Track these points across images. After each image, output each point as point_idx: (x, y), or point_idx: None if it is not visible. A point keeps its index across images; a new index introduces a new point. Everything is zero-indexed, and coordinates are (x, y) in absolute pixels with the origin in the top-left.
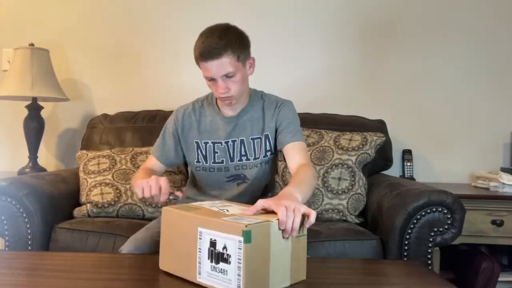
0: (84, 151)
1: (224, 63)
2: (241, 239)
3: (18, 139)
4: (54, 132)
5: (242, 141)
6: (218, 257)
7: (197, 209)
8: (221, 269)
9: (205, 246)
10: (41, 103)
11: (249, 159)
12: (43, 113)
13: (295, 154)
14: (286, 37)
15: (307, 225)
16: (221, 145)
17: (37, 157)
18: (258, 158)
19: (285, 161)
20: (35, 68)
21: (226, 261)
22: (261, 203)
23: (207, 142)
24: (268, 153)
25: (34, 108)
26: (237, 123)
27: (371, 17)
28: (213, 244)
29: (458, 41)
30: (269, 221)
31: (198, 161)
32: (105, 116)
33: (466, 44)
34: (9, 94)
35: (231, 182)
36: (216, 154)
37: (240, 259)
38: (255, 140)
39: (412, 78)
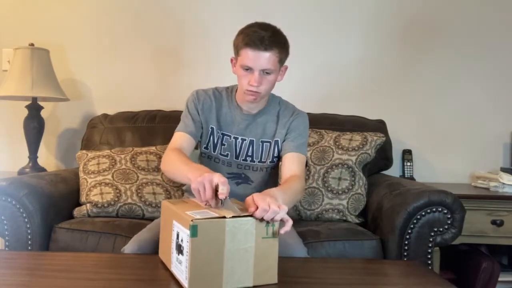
0: (84, 151)
1: (268, 59)
2: (189, 232)
3: (18, 139)
4: (54, 132)
5: (251, 142)
6: (179, 248)
7: (184, 204)
8: (179, 260)
9: (174, 237)
10: (41, 103)
11: (254, 161)
12: (43, 113)
13: (292, 164)
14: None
15: (282, 231)
16: (230, 138)
17: (37, 157)
18: (264, 162)
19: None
20: (35, 68)
21: (182, 253)
22: (249, 198)
23: (219, 132)
24: (275, 159)
25: (34, 108)
26: (252, 122)
27: (373, 18)
28: (177, 236)
29: (457, 41)
30: (224, 217)
31: (206, 147)
32: (105, 116)
33: (466, 44)
34: (9, 94)
35: (231, 180)
36: (223, 147)
37: (188, 252)
38: (264, 144)
39: (412, 78)
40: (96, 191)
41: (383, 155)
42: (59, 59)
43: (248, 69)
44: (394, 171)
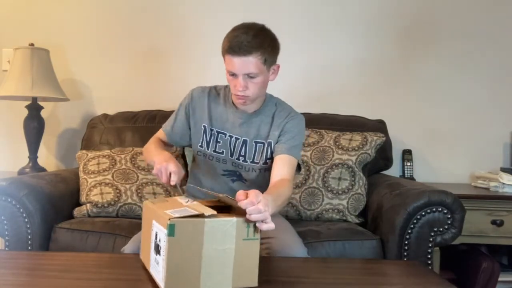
0: (84, 151)
1: (250, 63)
2: (166, 231)
3: (18, 139)
4: (54, 132)
5: (244, 142)
6: (157, 248)
7: (165, 202)
8: (157, 260)
9: (153, 238)
10: (41, 103)
11: (246, 161)
12: (43, 113)
13: (283, 166)
14: (286, 33)
15: (258, 225)
16: (225, 136)
17: (37, 157)
18: (257, 163)
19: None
20: (35, 68)
21: (159, 252)
22: (242, 191)
23: (213, 129)
24: (269, 161)
25: (34, 108)
26: (246, 121)
27: (374, 18)
28: (156, 235)
29: (457, 41)
30: (203, 216)
31: (201, 146)
32: (105, 116)
33: (466, 44)
34: (9, 94)
35: (226, 177)
36: (218, 144)
37: (165, 252)
38: (257, 144)
39: (412, 78)
40: (96, 191)
41: (383, 155)
42: (59, 59)
43: (233, 74)
44: (394, 171)
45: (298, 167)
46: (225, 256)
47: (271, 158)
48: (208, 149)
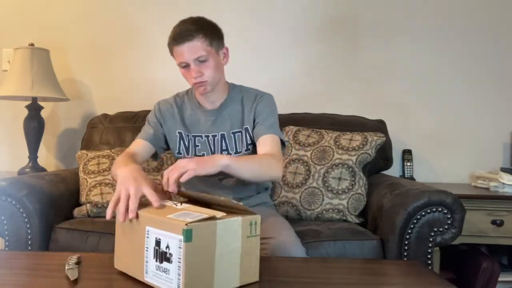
0: (84, 151)
1: (196, 46)
2: (182, 238)
3: (18, 139)
4: (54, 132)
5: (222, 136)
6: (162, 256)
7: (149, 206)
8: (164, 268)
9: (151, 245)
10: (41, 103)
11: (230, 154)
12: (43, 113)
13: (265, 145)
14: (286, 31)
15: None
16: (202, 138)
17: (37, 157)
18: (240, 152)
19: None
20: (35, 68)
21: (168, 260)
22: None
23: (189, 135)
24: (250, 147)
25: (34, 108)
26: (217, 117)
27: (373, 17)
28: (158, 243)
29: (457, 41)
30: (215, 218)
31: (179, 153)
32: (105, 116)
33: (466, 44)
34: (9, 94)
35: (213, 177)
36: (197, 148)
37: (181, 258)
38: (235, 134)
39: (412, 78)
40: (96, 191)
41: (383, 155)
42: (59, 59)
43: (185, 65)
44: (394, 171)
45: (283, 144)
46: (233, 255)
47: (252, 143)
48: (188, 155)
